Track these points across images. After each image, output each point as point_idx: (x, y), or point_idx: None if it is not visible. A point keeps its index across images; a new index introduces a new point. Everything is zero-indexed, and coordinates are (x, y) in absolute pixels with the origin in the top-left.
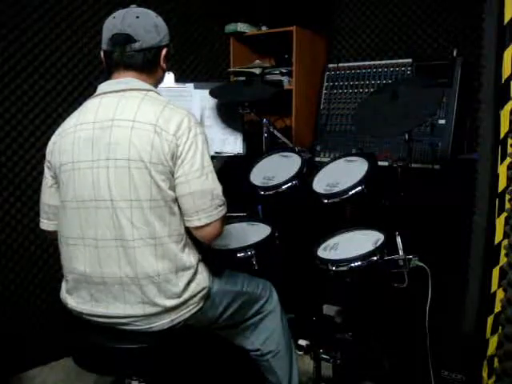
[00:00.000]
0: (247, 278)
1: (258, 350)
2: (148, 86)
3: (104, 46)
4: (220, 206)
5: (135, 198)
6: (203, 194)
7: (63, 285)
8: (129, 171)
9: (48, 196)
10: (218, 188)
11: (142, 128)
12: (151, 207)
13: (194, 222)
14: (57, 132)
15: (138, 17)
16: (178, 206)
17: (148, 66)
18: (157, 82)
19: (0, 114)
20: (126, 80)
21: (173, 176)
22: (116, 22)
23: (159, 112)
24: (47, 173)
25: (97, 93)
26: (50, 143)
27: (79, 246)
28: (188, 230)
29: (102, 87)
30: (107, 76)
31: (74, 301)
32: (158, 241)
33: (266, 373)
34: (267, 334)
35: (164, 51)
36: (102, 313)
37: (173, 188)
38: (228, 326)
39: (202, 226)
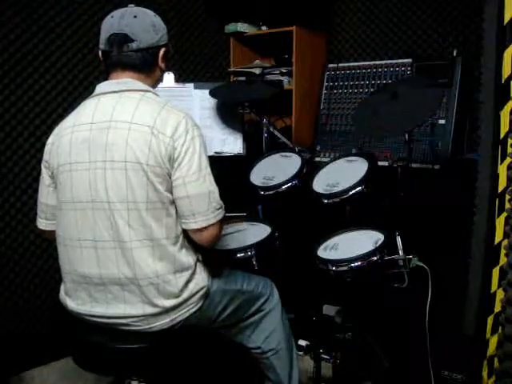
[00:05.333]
0: (247, 276)
1: (259, 347)
2: (146, 87)
3: (102, 45)
4: (217, 209)
5: (132, 199)
6: (200, 197)
7: (62, 286)
8: (125, 173)
9: (46, 195)
10: (215, 191)
11: (139, 130)
12: (148, 209)
13: (191, 225)
14: (54, 132)
15: (135, 16)
16: (175, 208)
17: (146, 65)
18: (155, 82)
19: (0, 115)
20: (123, 80)
21: (170, 178)
22: (113, 22)
23: (156, 114)
24: (45, 172)
25: (95, 93)
26: (48, 143)
27: (77, 248)
28: (185, 231)
29: (100, 87)
30: (105, 76)
31: (74, 302)
32: (155, 242)
33: (266, 371)
34: (268, 332)
35: (162, 51)
36: (102, 313)
37: (170, 190)
38: (228, 324)
39: (199, 229)
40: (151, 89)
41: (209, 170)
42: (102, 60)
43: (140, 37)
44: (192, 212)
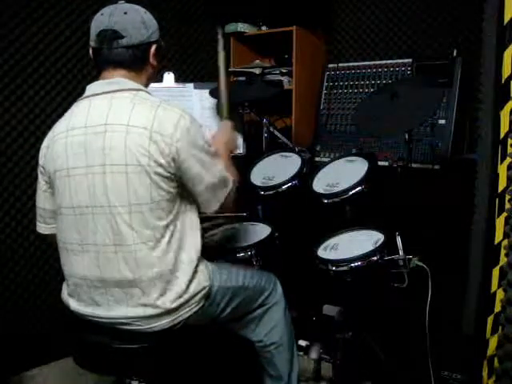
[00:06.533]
0: (249, 271)
1: (261, 341)
2: (138, 86)
3: (92, 43)
4: (227, 182)
5: (135, 202)
6: (216, 186)
7: (64, 286)
8: (126, 176)
9: (43, 200)
10: (221, 170)
11: (137, 132)
12: (151, 209)
13: (212, 208)
14: (48, 136)
15: (125, 13)
16: (178, 205)
17: (137, 62)
18: (147, 80)
19: (0, 115)
20: (115, 80)
21: (174, 176)
22: (103, 19)
23: (153, 114)
24: (41, 177)
25: (86, 94)
26: (43, 147)
27: (78, 252)
28: (186, 230)
29: (92, 88)
30: (96, 75)
31: (76, 304)
32: (157, 243)
33: (266, 365)
34: (271, 326)
35: (153, 47)
36: (104, 315)
37: (173, 187)
38: (231, 319)
39: (219, 206)
40: (143, 87)
41: (216, 158)
42: (92, 58)
43: (130, 33)
44: (210, 199)
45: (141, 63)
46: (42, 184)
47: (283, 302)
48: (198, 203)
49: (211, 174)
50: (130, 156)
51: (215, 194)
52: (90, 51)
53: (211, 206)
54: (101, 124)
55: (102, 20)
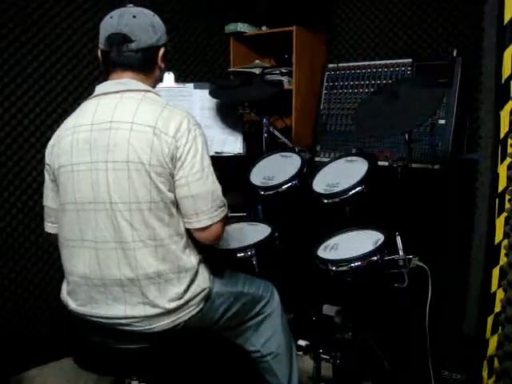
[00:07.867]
0: (248, 278)
1: (259, 351)
2: (146, 87)
3: (101, 45)
4: (220, 207)
5: (134, 200)
6: (203, 196)
7: (64, 286)
8: (128, 173)
9: (50, 199)
10: (218, 189)
11: (141, 130)
12: (151, 209)
13: (195, 224)
14: (55, 134)
15: (134, 16)
16: (177, 208)
17: (146, 66)
18: (155, 81)
19: (0, 115)
20: (123, 81)
21: (172, 178)
22: (113, 22)
23: (158, 114)
24: (47, 176)
25: (95, 93)
26: (49, 145)
27: (78, 248)
28: (188, 231)
29: (100, 88)
30: (105, 76)
31: (75, 303)
32: (158, 242)
33: (265, 374)
34: (268, 336)
35: (161, 51)
36: (103, 314)
37: (172, 190)
38: (229, 327)
39: (202, 228)
40: (152, 89)
41: (211, 168)
42: (101, 60)
43: (139, 37)
44: (195, 211)
45: (149, 66)
46: (48, 182)
47: (280, 310)
48: (183, 216)
49: (200, 183)
50: (132, 153)
51: (197, 205)
52: (99, 53)
53: (192, 220)
54: (106, 121)
55: (111, 23)
